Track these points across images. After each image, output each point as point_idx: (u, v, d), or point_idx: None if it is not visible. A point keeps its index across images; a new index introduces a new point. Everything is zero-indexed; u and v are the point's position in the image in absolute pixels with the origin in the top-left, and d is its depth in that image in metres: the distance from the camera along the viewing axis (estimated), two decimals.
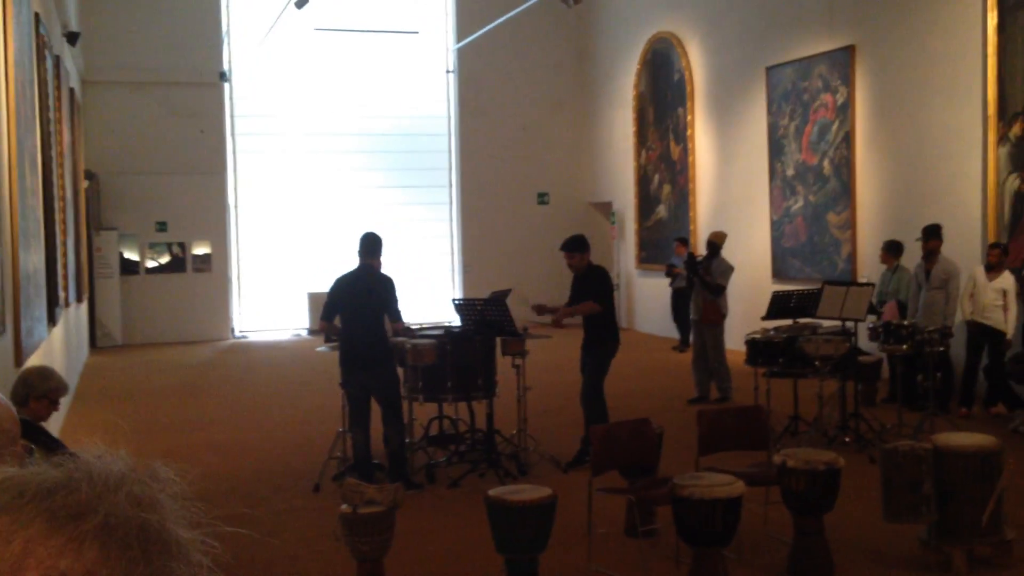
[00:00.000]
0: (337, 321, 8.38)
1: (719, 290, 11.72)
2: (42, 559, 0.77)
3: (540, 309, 9.12)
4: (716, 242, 12.01)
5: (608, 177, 20.80)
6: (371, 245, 8.38)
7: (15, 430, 2.19)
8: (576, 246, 9.06)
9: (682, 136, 17.77)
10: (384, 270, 8.59)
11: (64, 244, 12.20)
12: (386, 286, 8.24)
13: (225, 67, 19.84)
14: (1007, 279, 10.21)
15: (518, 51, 21.10)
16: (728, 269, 11.91)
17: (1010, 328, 10.20)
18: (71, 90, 15.21)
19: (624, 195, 20.01)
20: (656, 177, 18.76)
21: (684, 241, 16.47)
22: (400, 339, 8.50)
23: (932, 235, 10.64)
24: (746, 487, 5.70)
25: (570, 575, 6.12)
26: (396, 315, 8.29)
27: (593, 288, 9.00)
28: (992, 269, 10.31)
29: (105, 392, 13.55)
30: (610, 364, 9.05)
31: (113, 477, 0.85)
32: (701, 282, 11.74)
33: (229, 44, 19.99)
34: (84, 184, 17.15)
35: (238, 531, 1.06)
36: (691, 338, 12.63)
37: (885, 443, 6.34)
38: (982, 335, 10.33)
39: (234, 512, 7.32)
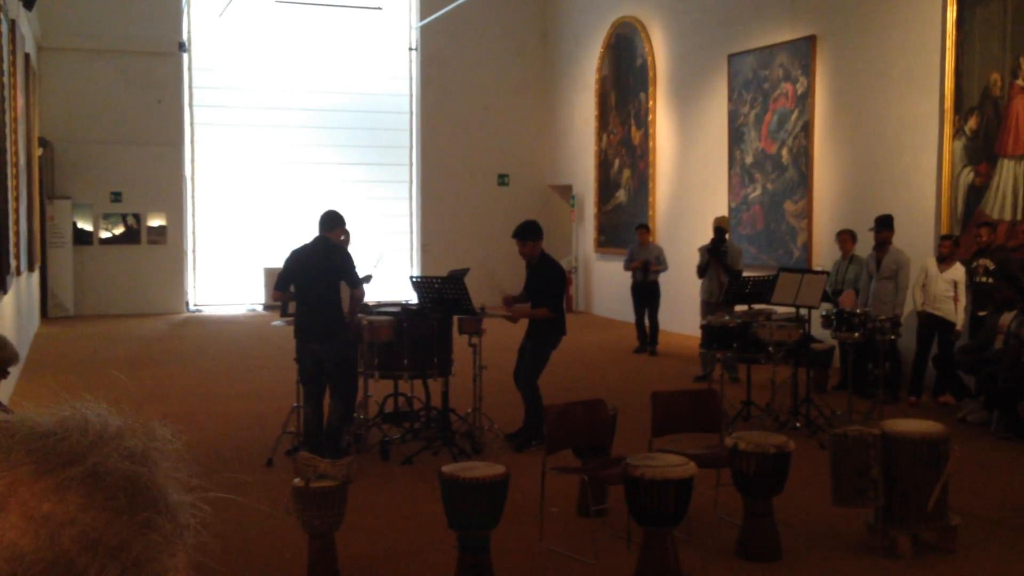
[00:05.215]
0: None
1: (739, 274, 11.52)
2: (25, 500, 0.77)
3: (507, 302, 8.86)
4: (724, 227, 12.18)
5: (568, 160, 20.81)
6: (330, 220, 8.29)
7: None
8: (528, 233, 8.71)
9: (643, 121, 17.81)
10: (349, 248, 8.54)
11: (16, 211, 12.00)
12: (341, 254, 8.17)
13: (184, 37, 19.58)
14: (958, 271, 10.37)
15: (482, 31, 21.02)
16: (738, 253, 12.26)
17: (960, 319, 10.37)
18: (26, 56, 14.94)
19: (584, 178, 20.03)
20: (616, 161, 18.80)
21: (646, 227, 16.33)
22: (358, 316, 8.46)
23: (884, 225, 10.79)
24: (698, 469, 5.74)
25: (522, 552, 6.15)
26: (355, 281, 8.20)
27: (541, 287, 8.72)
28: (944, 261, 10.47)
29: (56, 363, 13.38)
30: (550, 355, 8.87)
31: (108, 429, 0.85)
32: (723, 268, 11.80)
33: (189, 14, 19.72)
34: (38, 152, 16.88)
35: (228, 496, 1.06)
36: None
37: (835, 429, 6.41)
38: (933, 325, 10.49)
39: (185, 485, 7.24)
